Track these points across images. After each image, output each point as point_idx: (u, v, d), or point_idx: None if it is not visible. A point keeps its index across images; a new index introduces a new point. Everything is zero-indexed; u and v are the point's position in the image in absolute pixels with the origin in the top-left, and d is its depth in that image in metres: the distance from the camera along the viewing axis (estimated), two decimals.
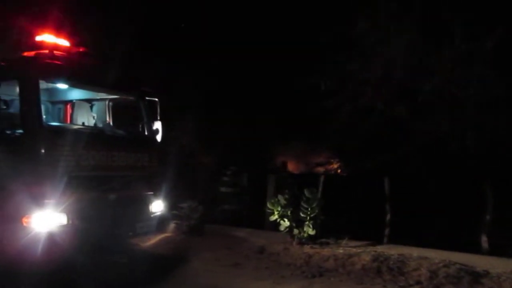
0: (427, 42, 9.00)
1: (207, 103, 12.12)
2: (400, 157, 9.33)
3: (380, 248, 7.52)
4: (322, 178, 9.11)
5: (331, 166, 13.65)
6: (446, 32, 8.94)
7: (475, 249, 7.89)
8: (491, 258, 7.25)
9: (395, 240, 8.24)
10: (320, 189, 8.77)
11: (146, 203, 6.86)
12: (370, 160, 9.93)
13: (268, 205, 7.92)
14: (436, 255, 6.94)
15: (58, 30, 6.24)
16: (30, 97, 5.46)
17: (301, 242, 7.71)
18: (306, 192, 7.67)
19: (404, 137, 9.47)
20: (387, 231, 8.46)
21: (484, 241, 8.01)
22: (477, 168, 8.34)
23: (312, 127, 12.07)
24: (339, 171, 13.43)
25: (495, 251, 7.78)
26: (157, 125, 7.45)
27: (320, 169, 14.24)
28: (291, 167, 15.21)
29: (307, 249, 7.50)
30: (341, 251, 7.29)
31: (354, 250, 7.33)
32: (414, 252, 7.19)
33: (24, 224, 5.17)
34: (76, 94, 7.64)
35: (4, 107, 5.72)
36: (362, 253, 7.10)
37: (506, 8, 8.40)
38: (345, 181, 10.10)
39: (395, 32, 9.16)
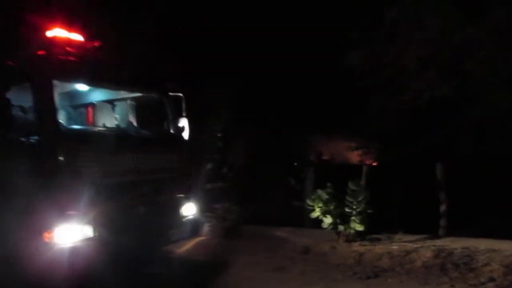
0: (467, 16, 8.14)
1: (237, 98, 11.51)
2: (449, 140, 8.46)
3: (439, 242, 6.73)
4: (365, 169, 8.31)
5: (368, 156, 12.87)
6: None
7: None
8: None
9: (453, 231, 7.42)
10: (363, 180, 7.99)
11: (177, 207, 6.31)
12: (415, 144, 9.09)
13: (308, 201, 7.24)
14: (507, 247, 6.11)
15: (70, 24, 5.71)
16: (44, 100, 4.96)
17: (349, 240, 7.00)
18: (351, 185, 6.96)
19: (452, 119, 8.63)
20: (443, 222, 7.61)
21: None
22: None
23: (348, 113, 11.34)
24: (373, 162, 12.67)
25: None
26: (183, 122, 6.92)
27: (358, 159, 13.48)
28: (327, 158, 14.43)
29: (356, 246, 6.80)
30: (395, 247, 6.55)
31: (410, 245, 6.58)
32: (480, 244, 6.38)
33: (47, 239, 4.68)
34: (97, 95, 7.17)
35: (20, 113, 5.27)
36: (420, 248, 6.35)
37: None
38: (390, 170, 9.27)
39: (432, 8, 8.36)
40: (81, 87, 6.55)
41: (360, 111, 9.93)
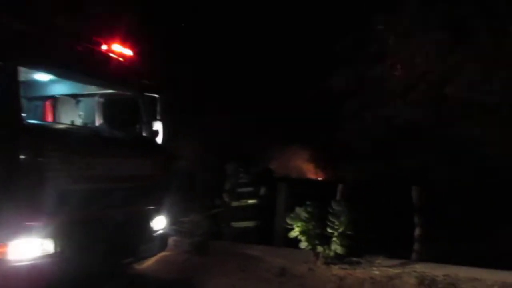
0: (450, 47, 8.31)
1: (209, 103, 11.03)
2: (424, 164, 8.49)
3: (419, 268, 6.53)
4: (340, 187, 8.08)
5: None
6: (468, 35, 8.26)
7: None
8: None
9: (426, 257, 7.32)
10: (339, 199, 7.73)
11: (149, 220, 5.69)
12: (389, 166, 9.04)
13: (288, 220, 6.82)
14: (487, 276, 6.02)
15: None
16: (6, 88, 4.19)
17: (328, 262, 6.64)
18: (333, 204, 6.63)
19: (427, 143, 8.69)
20: (417, 246, 7.51)
21: None
22: None
23: (322, 131, 11.22)
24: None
25: None
26: (158, 126, 6.31)
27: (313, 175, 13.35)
28: (296, 174, 14.19)
29: (335, 270, 6.45)
30: (376, 272, 6.28)
31: (392, 270, 6.33)
32: (460, 271, 6.25)
33: None
34: (58, 88, 6.40)
35: None
36: (402, 274, 6.12)
37: None
38: (365, 190, 9.15)
39: (417, 33, 8.45)
40: (41, 77, 5.78)
41: (334, 128, 9.79)
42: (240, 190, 9.01)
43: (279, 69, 11.89)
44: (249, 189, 9.01)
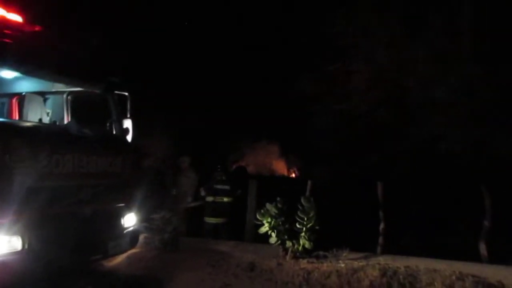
0: (408, 42, 8.66)
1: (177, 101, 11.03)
2: (387, 161, 8.82)
3: (382, 260, 6.83)
4: (309, 184, 8.31)
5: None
6: (425, 30, 8.63)
7: (473, 257, 7.47)
8: (497, 267, 6.80)
9: (389, 249, 7.65)
10: (308, 195, 7.96)
11: (118, 217, 5.72)
12: (354, 163, 9.34)
13: (258, 216, 6.99)
14: (445, 267, 6.36)
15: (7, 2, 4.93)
16: None
17: (296, 256, 6.86)
18: (303, 200, 6.83)
19: (390, 141, 9.02)
20: (381, 240, 7.83)
21: (483, 248, 7.59)
22: (472, 171, 7.97)
23: (286, 129, 11.41)
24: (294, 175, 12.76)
25: (494, 259, 7.39)
26: (127, 123, 6.34)
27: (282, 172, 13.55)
28: (254, 170, 14.35)
29: (303, 264, 6.65)
30: (342, 265, 6.52)
31: (356, 263, 6.59)
32: (420, 263, 6.58)
33: None
34: (25, 85, 6.32)
35: None
36: (366, 267, 6.38)
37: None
38: (332, 186, 9.41)
39: (376, 30, 8.77)
40: (7, 74, 5.71)
41: (304, 128, 10.01)
42: (216, 186, 9.15)
43: (251, 67, 12.03)
44: (226, 187, 9.16)
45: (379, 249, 7.84)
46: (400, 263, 6.64)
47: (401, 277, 6.02)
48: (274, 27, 11.34)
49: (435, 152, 8.26)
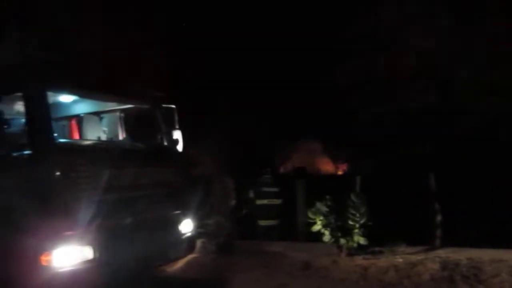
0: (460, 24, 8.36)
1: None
2: (440, 149, 8.54)
3: (442, 253, 6.66)
4: (358, 179, 8.24)
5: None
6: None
7: None
8: None
9: (448, 241, 7.42)
10: (358, 191, 7.89)
11: (176, 224, 5.99)
12: (402, 154, 9.13)
13: (309, 214, 7.04)
14: (511, 256, 6.12)
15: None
16: (39, 111, 4.56)
17: (351, 253, 6.84)
18: (353, 197, 6.82)
19: (440, 129, 8.75)
20: (439, 232, 7.61)
21: None
22: None
23: (331, 125, 11.34)
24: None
25: None
26: (177, 134, 6.63)
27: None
28: (312, 170, 14.30)
29: (359, 260, 6.63)
30: (400, 260, 6.43)
31: (415, 257, 6.47)
32: (483, 254, 6.34)
33: (44, 263, 4.25)
34: (81, 107, 6.76)
35: (6, 126, 4.82)
36: (425, 260, 6.25)
37: None
38: (382, 180, 9.26)
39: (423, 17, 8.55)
40: (65, 98, 6.16)
41: (348, 122, 9.93)
42: (265, 189, 9.31)
43: (285, 67, 12.00)
44: (275, 189, 9.31)
45: (437, 241, 7.61)
46: (461, 255, 6.44)
47: (464, 269, 5.86)
48: (313, 23, 11.20)
49: (492, 138, 7.90)
